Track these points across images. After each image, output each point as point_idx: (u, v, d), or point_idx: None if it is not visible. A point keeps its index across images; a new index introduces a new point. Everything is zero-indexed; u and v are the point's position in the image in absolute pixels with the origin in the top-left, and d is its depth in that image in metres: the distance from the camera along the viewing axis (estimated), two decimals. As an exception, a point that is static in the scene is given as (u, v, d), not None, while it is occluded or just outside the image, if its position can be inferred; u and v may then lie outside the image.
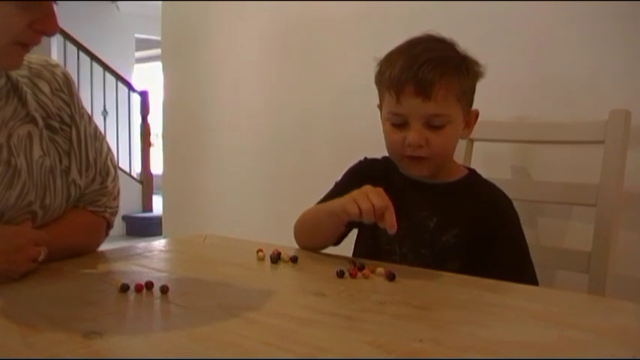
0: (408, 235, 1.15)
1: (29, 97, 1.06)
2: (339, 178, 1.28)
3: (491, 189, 1.18)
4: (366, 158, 1.28)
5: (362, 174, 1.23)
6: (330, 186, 1.26)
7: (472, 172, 1.22)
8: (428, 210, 1.14)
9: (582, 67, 1.50)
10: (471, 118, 1.16)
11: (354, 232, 1.25)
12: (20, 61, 0.98)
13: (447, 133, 1.09)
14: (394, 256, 1.15)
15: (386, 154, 1.19)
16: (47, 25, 0.93)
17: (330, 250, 1.28)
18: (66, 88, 1.11)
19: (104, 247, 1.18)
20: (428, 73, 1.05)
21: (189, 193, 2.76)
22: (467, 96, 1.12)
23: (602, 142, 1.32)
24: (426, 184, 1.17)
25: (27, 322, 0.72)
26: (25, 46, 0.95)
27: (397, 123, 1.11)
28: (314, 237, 1.18)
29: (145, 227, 5.46)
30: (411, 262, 1.12)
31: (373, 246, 1.17)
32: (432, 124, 1.08)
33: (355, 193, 1.03)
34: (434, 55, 1.08)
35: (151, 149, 6.05)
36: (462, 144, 1.53)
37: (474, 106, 1.16)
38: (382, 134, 1.16)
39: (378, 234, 1.17)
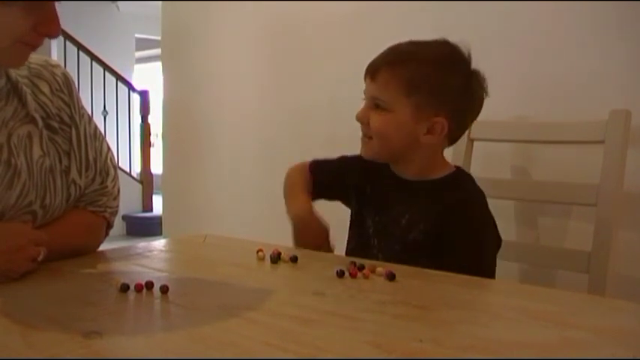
0: (386, 231, 1.18)
1: (29, 98, 1.06)
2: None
3: (462, 187, 1.17)
4: (361, 156, 1.30)
5: (353, 164, 1.28)
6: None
7: (457, 171, 1.21)
8: (403, 207, 1.17)
9: (582, 67, 1.50)
10: (434, 124, 1.12)
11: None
12: (24, 60, 0.99)
13: (386, 117, 1.13)
14: (373, 250, 1.19)
15: None
16: (50, 28, 0.94)
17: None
18: (66, 89, 1.11)
19: (104, 247, 1.18)
20: (381, 58, 1.15)
21: (189, 193, 2.76)
22: (422, 95, 1.10)
23: (602, 142, 1.32)
24: (408, 181, 1.20)
25: (27, 322, 0.72)
26: (30, 45, 0.96)
27: (363, 99, 1.19)
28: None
29: (145, 227, 5.46)
30: (384, 255, 1.15)
31: (360, 242, 1.23)
32: (376, 106, 1.14)
33: (303, 223, 1.20)
34: (402, 47, 1.15)
35: (151, 149, 6.05)
36: (462, 144, 1.53)
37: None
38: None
39: (363, 228, 1.22)
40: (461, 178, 1.20)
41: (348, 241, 1.27)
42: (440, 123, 1.12)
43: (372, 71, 1.14)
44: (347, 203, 1.30)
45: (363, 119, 1.16)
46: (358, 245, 1.23)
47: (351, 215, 1.28)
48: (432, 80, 1.11)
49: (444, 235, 1.10)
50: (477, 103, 1.17)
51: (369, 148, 1.18)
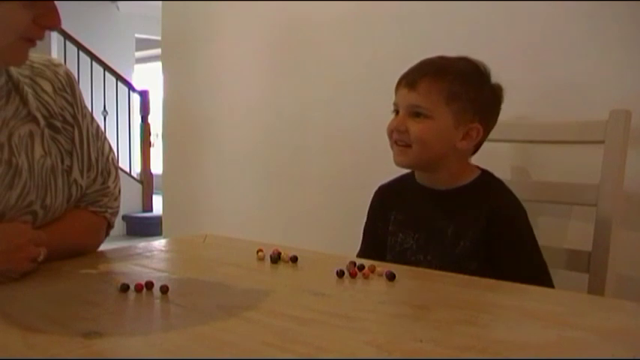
0: (431, 244, 1.21)
1: (30, 97, 1.06)
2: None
3: (499, 192, 1.23)
4: (379, 188, 1.36)
5: (381, 205, 1.34)
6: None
7: (483, 174, 1.26)
8: (444, 218, 1.21)
9: (582, 67, 1.50)
10: (470, 130, 1.20)
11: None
12: (26, 57, 0.99)
13: (428, 124, 1.18)
14: (422, 265, 1.21)
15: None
16: (51, 20, 0.94)
17: (330, 250, 1.28)
18: (69, 88, 1.11)
19: (104, 247, 1.18)
20: (420, 70, 1.21)
21: (189, 193, 2.75)
22: (461, 103, 1.18)
23: (602, 142, 1.32)
24: (441, 192, 1.23)
25: (27, 322, 0.72)
26: (31, 41, 0.96)
27: (394, 111, 1.23)
28: None
29: (145, 227, 5.46)
30: (436, 268, 1.17)
31: (403, 260, 1.22)
32: (415, 114, 1.19)
33: None
34: (437, 61, 1.22)
35: (151, 149, 6.05)
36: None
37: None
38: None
39: (402, 249, 1.24)
40: (490, 180, 1.26)
41: (388, 262, 1.27)
42: (476, 128, 1.21)
43: (411, 81, 1.19)
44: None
45: (401, 127, 1.19)
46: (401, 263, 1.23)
47: (388, 237, 1.28)
48: (470, 89, 1.19)
49: (496, 241, 1.15)
50: (498, 113, 1.26)
51: (405, 156, 1.21)
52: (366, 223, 1.36)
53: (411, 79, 1.20)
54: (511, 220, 1.19)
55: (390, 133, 1.22)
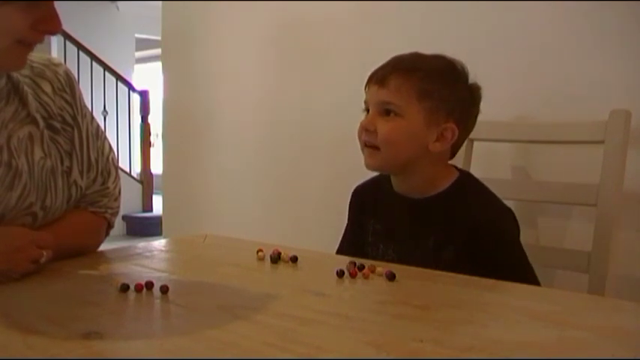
0: (413, 257, 1.15)
1: (30, 98, 1.05)
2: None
3: (478, 199, 1.17)
4: (355, 189, 1.31)
5: (357, 209, 1.30)
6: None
7: (460, 177, 1.19)
8: (423, 231, 1.16)
9: (582, 67, 1.50)
10: (444, 131, 1.14)
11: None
12: (24, 62, 0.98)
13: (398, 123, 1.13)
14: None
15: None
16: (51, 25, 0.92)
17: (331, 250, 1.29)
18: (68, 88, 1.11)
19: (104, 247, 1.18)
20: (391, 66, 1.16)
21: (189, 193, 2.75)
22: (433, 101, 1.13)
23: (602, 142, 1.32)
24: (413, 200, 1.18)
25: (27, 322, 0.72)
26: (28, 45, 0.94)
27: (365, 109, 1.18)
28: None
29: (145, 227, 5.47)
30: None
31: None
32: (385, 112, 1.14)
33: None
34: (410, 57, 1.17)
35: (151, 149, 6.06)
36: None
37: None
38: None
39: (384, 260, 1.18)
40: (467, 185, 1.19)
41: None
42: (450, 129, 1.14)
43: (381, 78, 1.14)
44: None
45: (370, 126, 1.14)
46: None
47: (368, 248, 1.24)
48: (442, 87, 1.14)
49: (479, 254, 1.09)
50: (476, 113, 1.20)
51: (375, 159, 1.15)
52: (349, 226, 1.33)
53: (381, 76, 1.15)
54: (493, 233, 1.12)
55: (360, 134, 1.17)
